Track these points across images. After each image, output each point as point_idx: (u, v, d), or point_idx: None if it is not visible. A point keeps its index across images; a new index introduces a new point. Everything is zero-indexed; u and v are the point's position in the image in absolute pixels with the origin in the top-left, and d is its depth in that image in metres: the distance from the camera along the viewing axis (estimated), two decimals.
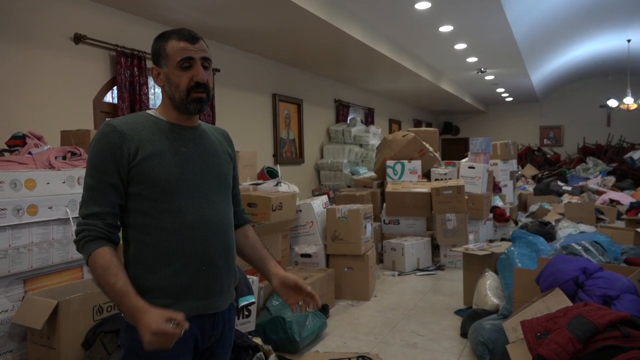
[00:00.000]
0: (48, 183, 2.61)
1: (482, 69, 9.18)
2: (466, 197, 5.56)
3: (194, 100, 1.38)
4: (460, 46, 7.36)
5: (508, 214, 6.70)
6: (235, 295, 1.53)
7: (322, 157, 8.43)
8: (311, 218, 4.49)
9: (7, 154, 2.86)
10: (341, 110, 9.11)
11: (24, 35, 3.77)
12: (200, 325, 1.38)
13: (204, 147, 1.45)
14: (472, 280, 3.83)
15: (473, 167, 6.10)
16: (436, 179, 6.19)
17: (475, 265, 3.89)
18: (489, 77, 10.14)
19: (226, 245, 1.45)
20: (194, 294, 1.36)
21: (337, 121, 9.03)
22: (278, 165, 5.58)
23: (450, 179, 6.11)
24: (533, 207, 8.02)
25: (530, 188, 9.93)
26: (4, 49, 3.63)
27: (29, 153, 2.86)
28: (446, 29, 6.37)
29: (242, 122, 6.25)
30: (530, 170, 12.39)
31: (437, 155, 6.73)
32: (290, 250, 4.49)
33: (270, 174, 5.20)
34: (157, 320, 1.19)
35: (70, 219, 2.69)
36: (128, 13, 4.64)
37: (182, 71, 1.37)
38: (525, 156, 13.49)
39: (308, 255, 4.43)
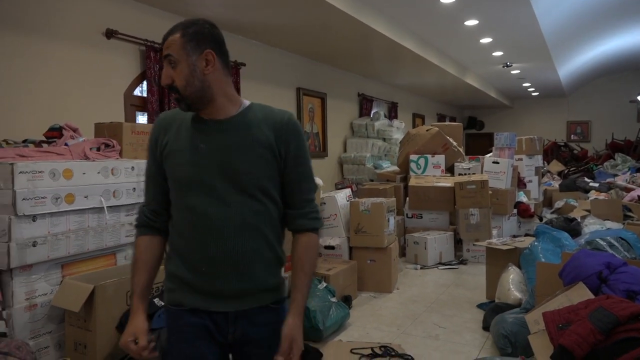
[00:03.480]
0: (84, 173, 2.73)
1: (508, 63, 9.07)
2: (490, 192, 5.54)
3: (175, 100, 1.36)
4: (486, 40, 7.30)
5: (532, 210, 6.64)
6: (274, 298, 1.42)
7: (345, 150, 8.47)
8: (335, 211, 4.55)
9: (45, 145, 2.98)
10: (365, 105, 9.13)
11: (59, 32, 3.90)
12: (212, 318, 1.38)
13: (227, 142, 1.35)
14: (495, 274, 3.84)
15: (497, 162, 6.07)
16: (460, 174, 6.18)
17: (498, 260, 3.90)
18: (515, 72, 10.01)
19: (235, 250, 1.34)
20: (194, 289, 1.37)
21: (361, 115, 9.05)
22: None
23: (474, 173, 6.10)
24: (558, 203, 7.92)
25: (555, 184, 9.78)
26: (41, 46, 3.77)
27: (66, 144, 2.98)
28: (471, 23, 6.33)
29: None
30: (556, 166, 12.19)
31: (461, 150, 6.71)
32: None
33: None
34: (125, 337, 1.38)
35: (105, 207, 2.81)
36: (157, 8, 4.75)
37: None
38: (551, 152, 13.27)
39: (332, 247, 4.50)
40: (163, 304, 2.57)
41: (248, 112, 1.39)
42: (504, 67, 9.33)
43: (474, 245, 5.42)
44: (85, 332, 2.44)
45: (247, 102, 1.42)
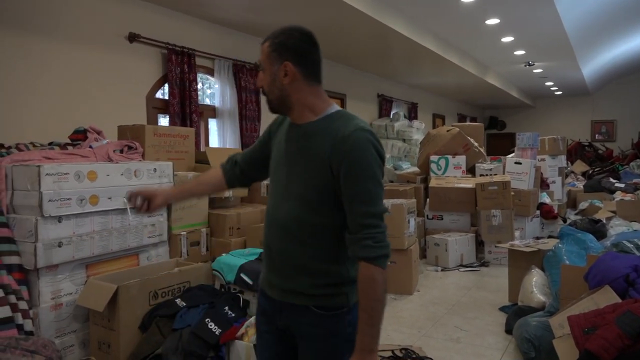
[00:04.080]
0: (108, 175, 2.77)
1: (530, 62, 8.94)
2: (512, 193, 5.46)
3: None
4: (507, 39, 7.21)
5: (556, 211, 6.53)
6: (315, 302, 1.40)
7: None
8: None
9: (70, 148, 3.04)
10: (384, 105, 9.09)
11: (84, 37, 3.98)
12: (266, 299, 1.52)
13: (297, 146, 1.42)
14: (518, 277, 3.79)
15: (520, 163, 5.98)
16: (481, 175, 6.11)
17: (521, 262, 3.84)
18: (537, 70, 9.86)
19: (284, 249, 1.43)
20: (263, 272, 1.55)
21: (380, 116, 9.01)
22: None
23: (495, 174, 6.02)
24: (583, 205, 7.77)
25: (580, 185, 9.60)
26: (66, 50, 3.84)
27: (90, 147, 3.04)
28: (493, 22, 6.26)
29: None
30: (580, 166, 11.96)
31: (482, 150, 6.63)
32: None
33: None
34: (141, 188, 1.70)
35: (128, 209, 2.84)
36: (179, 12, 4.80)
37: None
38: (575, 152, 13.02)
39: None
40: (185, 304, 2.60)
41: (322, 121, 1.40)
42: (525, 66, 9.20)
43: (495, 247, 5.34)
44: (109, 332, 2.47)
45: (331, 110, 1.42)
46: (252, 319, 2.50)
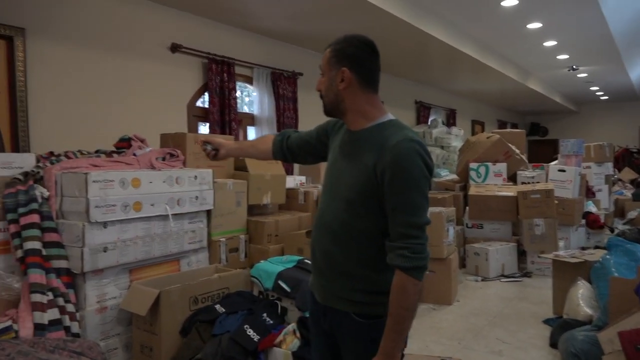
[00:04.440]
0: (150, 182, 2.84)
1: (574, 67, 8.68)
2: (556, 201, 5.30)
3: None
4: (550, 43, 7.03)
5: (602, 221, 6.29)
6: (356, 309, 1.42)
7: None
8: None
9: (115, 155, 3.14)
10: (422, 112, 9.00)
11: (128, 47, 4.11)
12: (314, 302, 1.57)
13: (347, 152, 1.47)
14: (563, 288, 3.66)
15: (563, 170, 5.79)
16: (523, 182, 5.95)
17: (566, 274, 3.71)
18: (582, 75, 9.56)
19: (327, 251, 1.47)
20: (312, 275, 1.59)
21: (418, 123, 8.92)
22: None
23: (538, 182, 5.85)
24: (631, 214, 7.45)
25: (628, 193, 9.22)
26: (111, 61, 3.98)
27: (134, 154, 3.12)
28: (535, 26, 6.11)
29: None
30: (628, 174, 11.49)
31: (524, 157, 6.46)
32: None
33: None
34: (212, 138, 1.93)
35: (169, 215, 2.91)
36: (219, 22, 4.90)
37: None
38: (623, 159, 12.52)
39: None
40: (224, 310, 2.63)
41: (373, 129, 1.41)
42: (569, 70, 8.93)
43: (539, 257, 5.17)
44: (151, 336, 2.52)
45: (384, 119, 1.44)
46: (290, 327, 2.50)
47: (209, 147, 1.89)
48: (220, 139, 1.94)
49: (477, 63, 7.06)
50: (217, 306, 2.66)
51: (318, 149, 1.68)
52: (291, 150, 1.75)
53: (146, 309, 2.45)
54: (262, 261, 3.02)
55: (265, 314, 2.60)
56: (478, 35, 6.56)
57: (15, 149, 3.37)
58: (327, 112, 1.52)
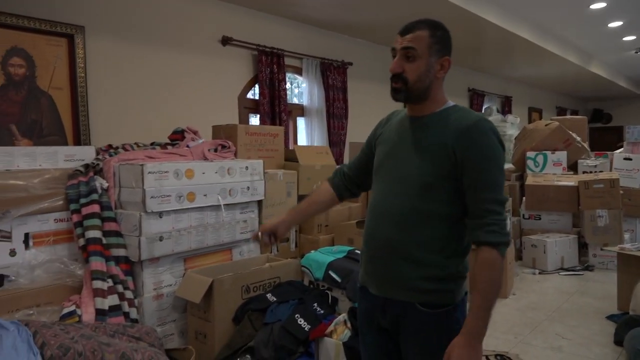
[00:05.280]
0: (203, 173, 2.89)
1: None
2: (621, 191, 5.01)
3: (392, 89, 1.44)
4: (615, 24, 6.62)
5: None
6: (422, 299, 1.39)
7: None
8: None
9: (169, 147, 3.22)
10: (475, 100, 8.74)
11: (180, 41, 4.20)
12: (369, 299, 1.51)
13: (412, 138, 1.44)
14: (629, 283, 3.46)
15: (630, 159, 5.47)
16: (584, 172, 5.67)
17: (632, 268, 3.51)
18: None
19: (395, 241, 1.41)
20: (365, 268, 1.54)
21: None
22: None
23: (601, 171, 5.56)
24: None
25: None
26: (165, 55, 4.08)
27: (187, 146, 3.19)
28: (598, 6, 5.77)
29: (373, 114, 6.26)
30: None
31: (586, 145, 6.15)
32: None
33: None
34: (266, 224, 1.78)
35: (222, 205, 2.96)
36: (268, 13, 4.92)
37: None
38: None
39: None
40: (275, 299, 2.65)
41: (442, 113, 1.43)
42: (636, 52, 8.40)
43: (601, 250, 4.93)
44: (205, 323, 2.59)
45: (450, 104, 1.47)
46: (341, 317, 2.49)
47: (265, 238, 1.75)
48: (271, 221, 1.79)
49: (534, 47, 6.76)
50: (269, 295, 2.69)
51: None
52: (355, 182, 1.72)
53: (200, 297, 2.50)
54: (312, 251, 3.03)
55: (316, 304, 2.60)
56: (535, 18, 6.26)
57: (77, 142, 3.52)
58: (409, 98, 1.42)
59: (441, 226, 1.38)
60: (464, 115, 1.39)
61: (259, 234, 1.76)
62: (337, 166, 1.76)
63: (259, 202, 3.27)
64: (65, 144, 3.46)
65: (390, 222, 1.42)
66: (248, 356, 2.42)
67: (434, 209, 1.38)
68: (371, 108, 6.20)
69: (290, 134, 5.37)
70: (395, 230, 1.41)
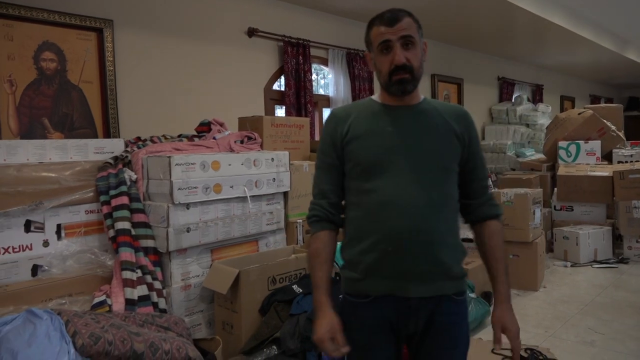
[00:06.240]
0: (229, 165, 2.91)
1: None
2: None
3: (396, 82, 1.37)
4: None
5: None
6: (457, 289, 1.40)
7: (483, 138, 8.02)
8: None
9: (196, 139, 3.25)
10: (505, 88, 8.55)
11: (206, 33, 4.22)
12: (395, 307, 1.37)
13: (416, 126, 1.40)
14: None
15: None
16: (619, 162, 5.49)
17: None
18: None
19: (424, 230, 1.33)
20: (381, 273, 1.37)
21: (501, 100, 8.49)
22: None
23: (637, 161, 5.37)
24: None
25: None
26: (192, 48, 4.11)
27: (214, 138, 3.21)
28: None
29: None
30: None
31: (621, 134, 5.95)
32: None
33: None
34: (323, 332, 1.34)
35: (248, 197, 2.97)
36: (294, 4, 4.90)
37: (383, 56, 1.38)
38: None
39: (470, 240, 4.27)
40: (301, 290, 2.65)
41: (426, 102, 1.47)
42: None
43: (637, 242, 4.79)
44: (232, 313, 2.61)
45: (421, 95, 1.49)
46: None
47: (330, 345, 1.34)
48: (324, 326, 1.37)
49: (567, 33, 6.56)
50: (295, 286, 2.69)
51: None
52: (341, 207, 1.49)
53: (227, 288, 2.52)
54: (338, 243, 3.01)
55: (341, 296, 2.59)
56: (568, 2, 6.06)
57: (107, 135, 3.58)
58: (412, 89, 1.39)
59: (456, 209, 1.45)
60: (447, 103, 1.51)
61: (324, 345, 1.35)
62: (313, 202, 1.50)
63: (285, 194, 3.27)
64: (96, 136, 3.53)
65: (418, 211, 1.33)
66: (274, 347, 2.44)
67: (452, 192, 1.42)
68: None
69: (316, 125, 5.35)
70: (429, 218, 1.34)
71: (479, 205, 1.46)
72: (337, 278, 2.84)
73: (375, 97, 1.50)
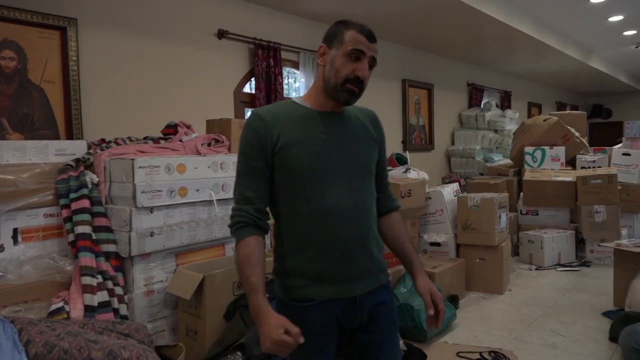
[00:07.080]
0: (195, 168, 2.86)
1: None
2: (619, 187, 4.98)
3: (347, 90, 1.39)
4: (616, 18, 6.56)
5: None
6: (386, 278, 1.53)
7: (453, 143, 8.13)
8: (441, 206, 4.37)
9: (162, 142, 3.19)
10: (474, 94, 8.69)
11: (175, 34, 4.15)
12: (341, 306, 1.41)
13: (345, 132, 1.45)
14: (625, 279, 3.44)
15: (628, 154, 5.43)
16: (582, 167, 5.64)
17: (628, 264, 3.49)
18: None
19: (362, 233, 1.42)
20: (329, 279, 1.40)
21: (470, 106, 8.62)
22: (407, 152, 5.50)
23: (599, 167, 5.53)
24: None
25: None
26: (160, 48, 4.04)
27: (180, 140, 3.16)
28: (598, 0, 5.72)
29: (371, 109, 6.26)
30: None
31: (584, 141, 6.12)
32: (419, 238, 4.42)
33: (399, 160, 5.14)
34: (277, 332, 1.24)
35: (214, 200, 2.93)
36: (265, 7, 4.87)
37: (349, 60, 1.39)
38: None
39: (437, 244, 4.33)
40: (267, 295, 2.62)
41: (348, 108, 1.52)
42: (637, 47, 8.34)
43: (599, 245, 4.92)
44: (196, 319, 2.56)
45: None
46: None
47: (286, 337, 1.25)
48: (266, 328, 1.28)
49: (534, 42, 6.71)
50: None
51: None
52: (267, 213, 1.44)
53: (191, 293, 2.48)
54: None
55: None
56: (535, 12, 6.21)
57: (69, 136, 3.48)
58: (352, 103, 1.46)
59: (375, 206, 1.54)
60: (360, 107, 1.57)
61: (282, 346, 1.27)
62: (236, 208, 1.41)
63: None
64: (58, 138, 3.43)
65: (356, 216, 1.42)
66: (239, 353, 2.40)
67: (374, 191, 1.53)
68: (368, 101, 6.13)
69: None
70: (363, 222, 1.44)
71: (385, 199, 1.59)
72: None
73: (299, 100, 1.48)
